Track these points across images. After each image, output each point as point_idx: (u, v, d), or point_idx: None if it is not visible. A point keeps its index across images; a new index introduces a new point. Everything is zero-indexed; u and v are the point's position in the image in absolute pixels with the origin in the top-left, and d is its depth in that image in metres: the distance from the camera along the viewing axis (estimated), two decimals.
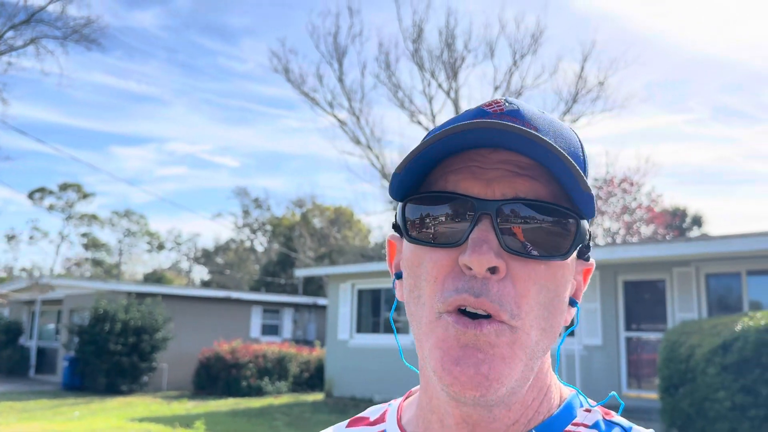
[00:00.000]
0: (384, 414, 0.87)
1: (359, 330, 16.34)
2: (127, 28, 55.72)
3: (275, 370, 18.93)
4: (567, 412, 0.76)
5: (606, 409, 0.79)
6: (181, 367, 19.97)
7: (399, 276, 0.80)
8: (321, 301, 24.63)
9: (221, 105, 67.77)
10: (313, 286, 34.41)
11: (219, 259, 50.03)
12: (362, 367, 15.75)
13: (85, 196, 51.61)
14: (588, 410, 0.77)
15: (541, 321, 0.69)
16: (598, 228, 28.62)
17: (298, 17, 59.49)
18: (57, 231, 52.44)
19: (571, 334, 11.54)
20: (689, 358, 8.49)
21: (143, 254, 56.54)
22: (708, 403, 8.06)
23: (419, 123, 27.85)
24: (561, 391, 0.79)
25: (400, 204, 0.74)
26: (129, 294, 19.81)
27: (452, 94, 27.30)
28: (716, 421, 7.94)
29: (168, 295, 20.95)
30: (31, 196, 49.83)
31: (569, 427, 0.74)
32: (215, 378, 18.36)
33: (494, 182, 0.68)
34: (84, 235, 53.49)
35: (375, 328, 16.24)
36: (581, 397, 0.80)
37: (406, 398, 0.88)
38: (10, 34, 24.35)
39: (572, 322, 0.78)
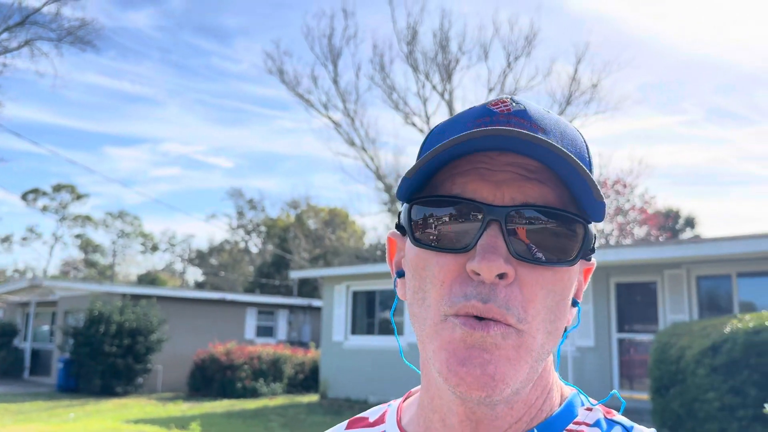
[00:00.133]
0: (384, 415, 0.87)
1: (354, 331, 16.42)
2: (120, 28, 55.70)
3: (270, 371, 18.99)
4: (568, 411, 0.76)
5: (607, 408, 0.79)
6: (175, 368, 20.01)
7: (400, 274, 0.81)
8: (316, 302, 24.70)
9: (215, 105, 67.81)
10: (308, 288, 34.47)
11: (213, 261, 50.01)
12: (357, 368, 15.83)
13: (79, 197, 51.54)
14: (589, 409, 0.77)
15: (548, 324, 0.69)
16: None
17: (292, 18, 59.61)
18: (51, 232, 52.27)
19: None
20: (679, 359, 8.60)
21: (137, 255, 56.51)
22: (698, 403, 8.18)
23: (413, 124, 27.98)
24: (562, 390, 0.80)
25: (405, 205, 0.74)
26: (124, 296, 19.85)
27: (446, 96, 27.44)
28: (706, 421, 8.05)
29: (163, 296, 20.99)
30: (24, 197, 49.77)
31: (571, 426, 0.75)
32: (210, 380, 18.41)
33: (503, 185, 0.68)
34: (78, 236, 53.42)
35: (370, 330, 16.33)
36: (582, 396, 0.81)
37: (406, 399, 0.89)
38: (4, 35, 24.37)
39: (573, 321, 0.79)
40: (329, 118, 28.03)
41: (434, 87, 27.41)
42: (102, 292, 20.23)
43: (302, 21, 51.57)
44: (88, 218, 52.74)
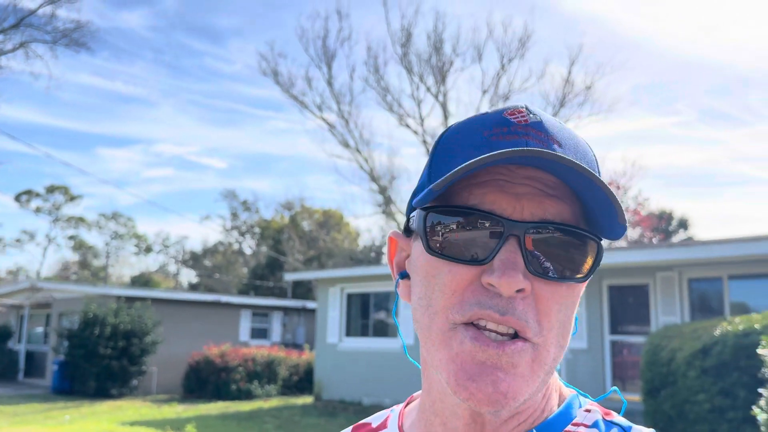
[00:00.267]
0: (386, 420, 0.88)
1: (348, 333, 16.48)
2: (113, 28, 55.59)
3: (264, 373, 19.05)
4: (567, 412, 0.77)
5: (606, 409, 0.79)
6: (170, 370, 20.04)
7: (403, 275, 0.80)
8: (310, 304, 24.75)
9: (208, 106, 67.75)
10: (302, 289, 34.51)
11: (207, 262, 49.99)
12: (351, 370, 15.90)
13: (72, 198, 51.46)
14: (588, 410, 0.78)
15: (559, 338, 0.70)
16: None
17: (285, 18, 59.60)
18: (44, 234, 52.17)
19: None
20: (671, 361, 8.70)
21: (130, 257, 56.43)
22: (688, 405, 8.28)
23: (408, 126, 28.03)
24: (561, 391, 0.80)
25: (420, 212, 0.73)
26: (118, 298, 19.87)
27: (440, 98, 27.50)
28: (696, 423, 8.15)
29: (157, 299, 21.02)
30: (17, 198, 49.65)
31: (569, 427, 0.75)
32: (205, 381, 18.44)
33: (523, 199, 0.69)
34: (71, 237, 53.32)
35: (364, 332, 16.39)
36: (581, 397, 0.81)
37: (408, 404, 0.89)
38: None
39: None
40: (323, 119, 28.08)
41: (428, 89, 27.48)
42: (97, 294, 20.25)
43: (296, 22, 51.62)
44: (81, 219, 52.67)
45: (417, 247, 0.75)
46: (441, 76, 27.33)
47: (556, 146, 0.70)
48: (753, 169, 53.92)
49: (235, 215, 48.26)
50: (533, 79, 28.42)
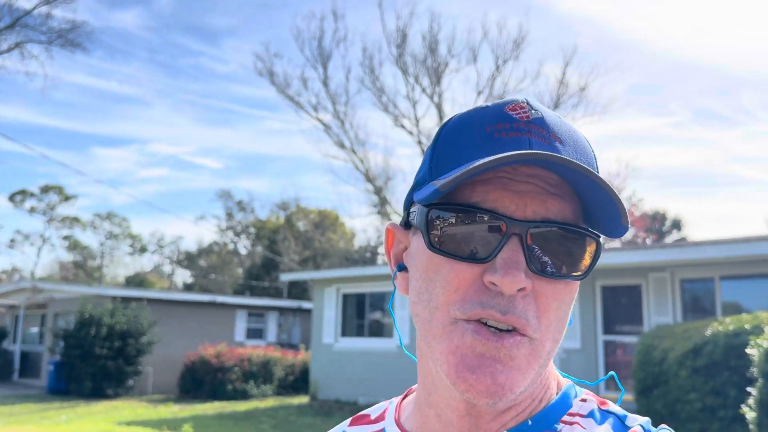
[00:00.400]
0: (384, 412, 0.88)
1: (344, 333, 16.57)
2: (108, 28, 55.52)
3: (260, 373, 19.11)
4: (563, 402, 0.77)
5: (602, 399, 0.79)
6: (166, 371, 20.08)
7: (401, 268, 0.81)
8: (306, 304, 24.81)
9: (203, 106, 67.75)
10: (298, 289, 34.56)
11: (202, 262, 49.99)
12: (347, 370, 15.98)
13: (67, 198, 51.39)
14: (584, 400, 0.78)
15: (557, 333, 0.72)
16: None
17: (280, 18, 59.63)
18: (38, 234, 52.02)
19: None
20: (662, 361, 8.82)
21: (125, 257, 56.38)
22: (680, 404, 8.39)
23: (403, 127, 28.12)
24: (558, 381, 0.81)
25: (422, 207, 0.73)
26: (114, 298, 19.91)
27: (436, 99, 27.61)
28: (688, 421, 8.27)
29: (153, 299, 21.05)
30: (12, 198, 49.56)
31: (565, 417, 0.75)
32: (201, 382, 18.50)
33: (526, 197, 0.69)
34: (65, 237, 53.24)
35: (360, 332, 16.48)
36: (578, 387, 0.82)
37: (405, 396, 0.89)
38: None
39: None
40: (319, 120, 28.15)
41: (424, 90, 27.58)
42: (92, 295, 20.28)
43: (291, 22, 51.75)
44: (76, 219, 52.60)
45: (417, 241, 0.76)
46: (436, 77, 27.44)
47: (557, 144, 0.71)
48: (746, 170, 54.30)
49: (230, 215, 48.31)
50: (528, 80, 28.48)
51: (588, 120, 27.46)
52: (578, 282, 0.73)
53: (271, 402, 17.58)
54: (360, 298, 16.57)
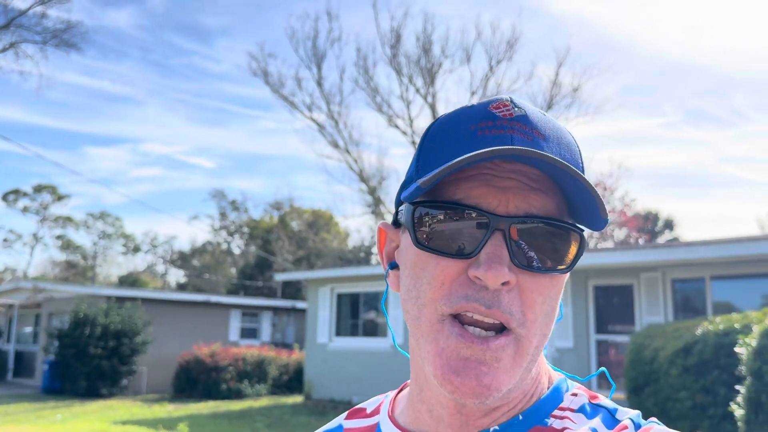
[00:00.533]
0: (379, 406, 0.89)
1: (338, 333, 16.65)
2: (101, 27, 55.27)
3: (255, 373, 19.17)
4: (554, 397, 0.78)
5: (592, 393, 0.79)
6: (160, 370, 20.12)
7: (393, 266, 0.82)
8: (300, 304, 24.88)
9: (196, 105, 67.59)
10: (291, 289, 34.60)
11: (195, 262, 49.94)
12: (341, 369, 16.06)
13: (60, 198, 51.26)
14: (574, 394, 0.79)
15: (544, 328, 0.72)
16: None
17: (274, 18, 59.57)
18: (31, 233, 51.87)
19: None
20: (653, 360, 8.93)
21: (118, 257, 56.27)
22: (671, 402, 8.51)
23: (397, 127, 28.22)
24: (550, 376, 0.81)
25: (408, 206, 0.74)
26: (109, 298, 19.93)
27: (429, 99, 27.71)
28: (678, 419, 8.38)
29: (147, 298, 21.10)
30: (5, 197, 49.40)
31: (555, 412, 0.76)
32: (195, 381, 18.54)
33: (509, 192, 0.70)
34: (59, 237, 53.11)
35: (354, 332, 16.56)
36: (569, 381, 0.82)
37: (401, 390, 0.90)
38: None
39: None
40: (313, 120, 28.21)
41: (417, 90, 27.69)
42: (87, 294, 20.30)
43: (285, 22, 51.74)
44: (69, 219, 52.46)
45: (405, 239, 0.77)
46: (430, 77, 27.54)
47: (540, 140, 0.72)
48: (739, 170, 54.63)
49: (223, 215, 48.27)
50: (521, 80, 28.67)
51: (581, 120, 27.63)
52: (564, 276, 0.74)
53: (265, 401, 17.65)
54: (354, 298, 16.65)
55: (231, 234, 48.87)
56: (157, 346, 19.96)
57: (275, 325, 24.89)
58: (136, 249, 56.19)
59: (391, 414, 0.85)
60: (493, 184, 0.70)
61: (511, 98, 0.75)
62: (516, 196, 0.70)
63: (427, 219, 0.72)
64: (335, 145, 28.18)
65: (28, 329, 24.42)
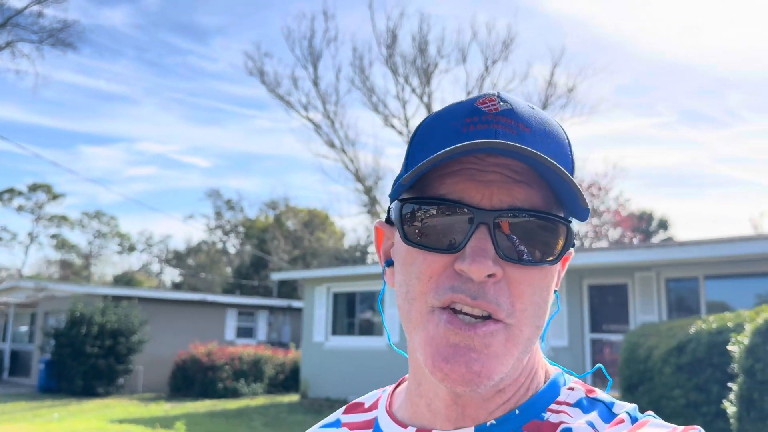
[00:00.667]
0: (377, 401, 0.90)
1: (334, 332, 16.71)
2: (96, 26, 55.19)
3: (251, 372, 19.22)
4: (551, 391, 0.78)
5: (589, 387, 0.80)
6: (156, 369, 20.15)
7: (389, 263, 0.82)
8: (296, 303, 24.93)
9: (192, 104, 67.47)
10: (287, 288, 34.64)
11: (190, 261, 49.91)
12: (337, 368, 16.12)
13: (55, 197, 51.15)
14: (571, 388, 0.79)
15: (536, 319, 0.72)
16: None
17: (270, 17, 59.54)
18: (26, 232, 51.81)
19: None
20: (647, 358, 9.02)
21: (113, 256, 56.19)
22: (664, 400, 8.59)
23: (393, 126, 28.29)
24: (546, 369, 0.81)
25: (397, 203, 0.76)
26: (105, 297, 19.95)
27: (425, 99, 27.78)
28: (672, 417, 8.47)
29: (144, 298, 21.12)
30: None
31: (552, 406, 0.76)
32: (191, 380, 18.58)
33: (492, 186, 0.70)
34: (54, 236, 53.01)
35: (350, 330, 16.63)
36: (567, 375, 0.82)
37: (398, 385, 0.90)
38: None
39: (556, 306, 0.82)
40: (309, 119, 28.27)
41: (413, 90, 27.76)
42: (83, 294, 20.31)
43: (281, 21, 51.78)
44: (64, 218, 52.36)
45: (397, 235, 0.78)
46: (426, 77, 27.62)
47: (525, 132, 0.72)
48: (733, 170, 54.84)
49: (219, 214, 48.24)
50: (517, 80, 28.75)
51: (576, 121, 27.75)
52: (554, 267, 0.74)
53: (261, 400, 17.70)
54: (350, 297, 16.71)
55: (226, 233, 48.87)
56: (154, 345, 19.99)
57: (271, 324, 24.93)
58: (132, 248, 56.12)
59: (389, 408, 0.85)
60: (477, 178, 0.71)
61: (498, 93, 0.76)
62: (500, 189, 0.70)
63: (413, 215, 0.73)
64: (331, 145, 28.24)
65: (24, 328, 24.41)
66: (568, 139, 0.77)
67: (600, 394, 0.78)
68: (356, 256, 37.04)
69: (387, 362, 14.61)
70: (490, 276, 0.68)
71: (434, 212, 0.72)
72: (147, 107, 66.74)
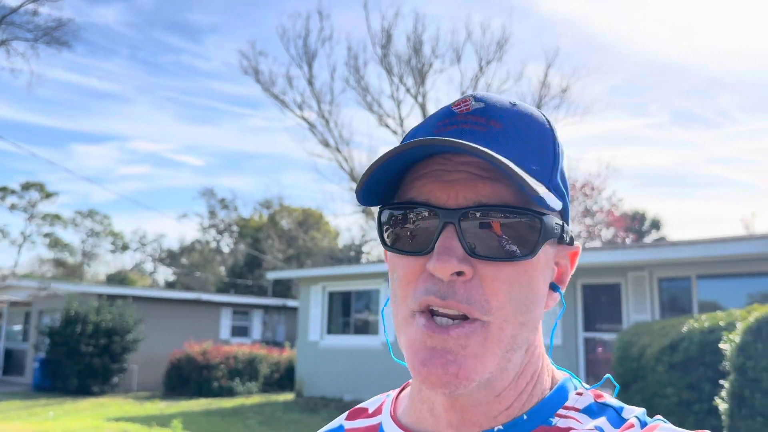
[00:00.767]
0: (381, 406, 0.89)
1: (330, 331, 16.77)
2: (89, 24, 54.93)
3: (246, 371, 19.26)
4: (559, 396, 0.77)
5: (598, 392, 0.79)
6: (151, 368, 20.17)
7: None
8: (290, 302, 24.97)
9: (185, 103, 67.24)
10: (282, 287, 34.65)
11: (184, 260, 49.84)
12: (332, 367, 16.18)
13: (48, 195, 50.99)
14: (580, 393, 0.78)
15: (519, 315, 0.70)
16: None
17: (264, 16, 59.45)
18: (19, 231, 51.66)
19: None
20: (640, 357, 9.12)
21: (106, 255, 56.06)
22: (657, 399, 8.69)
23: (387, 126, 28.36)
24: (553, 374, 0.80)
25: (377, 209, 0.76)
26: (99, 296, 19.96)
27: (420, 99, 27.87)
28: (665, 415, 8.56)
29: (138, 296, 21.14)
30: None
31: (560, 411, 0.75)
32: (186, 379, 18.61)
33: (457, 185, 0.70)
34: (47, 235, 52.86)
35: (345, 329, 16.68)
36: (575, 381, 0.81)
37: (402, 390, 0.89)
38: None
39: (562, 305, 0.80)
40: (304, 118, 28.31)
41: (408, 90, 27.84)
42: (78, 293, 20.31)
43: (275, 20, 51.65)
44: (57, 217, 52.21)
45: None
46: (420, 77, 27.70)
47: (496, 129, 0.72)
48: (725, 171, 55.08)
49: (212, 213, 48.17)
50: (511, 81, 28.90)
51: (570, 121, 27.88)
52: (535, 262, 0.72)
53: (256, 399, 17.74)
54: (345, 296, 16.78)
55: (220, 232, 48.80)
56: (148, 344, 20.01)
57: (266, 323, 24.97)
58: (125, 247, 55.99)
59: (394, 414, 0.84)
60: (442, 178, 0.71)
61: (474, 95, 0.76)
62: (464, 187, 0.70)
63: (389, 220, 0.74)
64: (325, 144, 28.29)
65: (18, 327, 24.37)
66: (552, 131, 0.76)
67: (609, 399, 0.78)
68: (350, 255, 37.09)
69: (382, 361, 14.68)
70: (459, 275, 0.68)
71: (405, 216, 0.72)
72: (140, 106, 66.56)
